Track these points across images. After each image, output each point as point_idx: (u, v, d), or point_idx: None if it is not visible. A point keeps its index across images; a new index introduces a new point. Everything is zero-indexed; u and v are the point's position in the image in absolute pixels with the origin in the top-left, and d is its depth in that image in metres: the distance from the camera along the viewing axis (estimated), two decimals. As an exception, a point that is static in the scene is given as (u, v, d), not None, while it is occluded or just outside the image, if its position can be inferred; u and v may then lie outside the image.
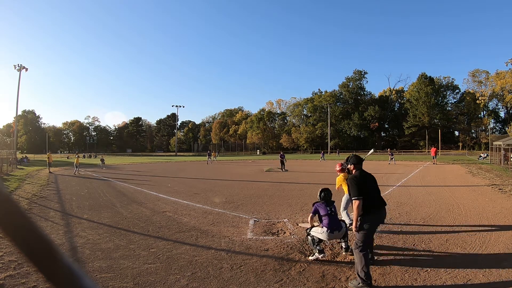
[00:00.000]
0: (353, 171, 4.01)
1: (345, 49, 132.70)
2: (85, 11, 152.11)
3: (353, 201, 3.67)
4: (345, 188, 5.86)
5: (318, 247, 4.29)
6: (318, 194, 4.72)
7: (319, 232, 4.36)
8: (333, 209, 4.48)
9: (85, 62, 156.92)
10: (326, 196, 4.63)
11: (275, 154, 62.91)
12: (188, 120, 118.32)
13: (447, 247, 4.70)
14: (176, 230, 5.82)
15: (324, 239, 4.37)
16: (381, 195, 3.99)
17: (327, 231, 4.25)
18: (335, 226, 4.30)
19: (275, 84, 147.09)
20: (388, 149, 34.74)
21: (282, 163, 20.92)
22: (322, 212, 4.41)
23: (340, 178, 6.07)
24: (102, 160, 28.04)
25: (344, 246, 4.59)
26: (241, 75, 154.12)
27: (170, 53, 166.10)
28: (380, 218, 3.85)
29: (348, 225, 4.84)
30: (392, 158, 27.21)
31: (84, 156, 60.71)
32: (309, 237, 4.45)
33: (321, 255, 4.27)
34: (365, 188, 3.70)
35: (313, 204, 4.63)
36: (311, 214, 4.58)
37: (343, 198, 6.14)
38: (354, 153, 4.50)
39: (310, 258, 4.35)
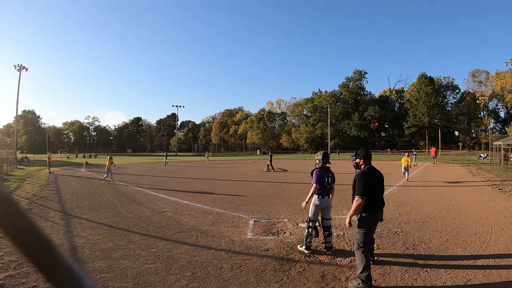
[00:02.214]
0: (362, 166, 3.87)
1: (345, 49, 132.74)
2: (86, 11, 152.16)
3: (356, 197, 3.57)
4: (404, 163, 13.65)
5: (307, 243, 4.58)
6: (321, 157, 4.71)
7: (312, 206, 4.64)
8: (329, 180, 4.64)
9: (85, 62, 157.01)
10: (327, 160, 4.75)
11: (275, 154, 62.87)
12: (188, 120, 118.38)
13: (447, 247, 4.70)
14: (176, 230, 5.82)
15: (316, 205, 4.57)
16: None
17: (318, 197, 4.55)
18: (325, 193, 4.61)
19: (275, 84, 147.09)
20: (413, 150, 34.45)
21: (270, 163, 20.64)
22: (323, 181, 4.55)
23: (404, 159, 13.63)
24: (86, 162, 25.51)
25: (327, 246, 4.61)
26: (241, 75, 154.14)
27: (170, 53, 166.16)
28: (379, 217, 3.83)
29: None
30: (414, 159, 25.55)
31: (84, 156, 60.75)
32: (308, 229, 4.58)
33: (306, 251, 4.54)
34: (371, 186, 3.60)
35: (313, 171, 4.68)
36: (315, 185, 4.54)
37: (402, 168, 13.93)
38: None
39: (298, 247, 4.73)
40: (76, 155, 62.93)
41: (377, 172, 3.86)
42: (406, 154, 14.52)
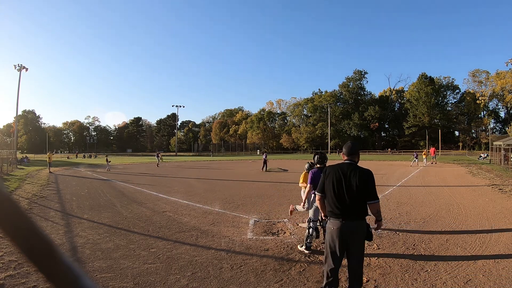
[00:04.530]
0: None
1: (346, 49, 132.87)
2: (86, 10, 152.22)
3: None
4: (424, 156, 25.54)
5: (308, 243, 4.57)
6: (313, 157, 4.73)
7: (313, 207, 4.61)
8: None
9: (85, 61, 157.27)
10: (322, 160, 4.72)
11: (275, 154, 62.96)
12: (188, 120, 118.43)
13: (447, 247, 4.70)
14: (176, 230, 5.82)
15: (317, 206, 4.51)
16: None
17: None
18: None
19: (275, 84, 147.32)
20: (414, 152, 34.10)
21: (265, 163, 21.23)
22: (318, 181, 4.45)
23: (424, 153, 26.16)
24: (107, 161, 23.65)
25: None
26: (242, 75, 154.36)
27: (170, 53, 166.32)
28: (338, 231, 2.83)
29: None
30: (422, 159, 26.25)
31: (84, 156, 60.77)
32: (308, 230, 4.59)
33: (307, 251, 4.55)
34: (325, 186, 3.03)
35: (308, 171, 4.68)
36: (308, 185, 4.54)
37: (424, 159, 25.58)
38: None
39: (299, 247, 4.71)
40: (76, 155, 62.97)
41: (338, 171, 2.95)
42: (425, 150, 26.50)
